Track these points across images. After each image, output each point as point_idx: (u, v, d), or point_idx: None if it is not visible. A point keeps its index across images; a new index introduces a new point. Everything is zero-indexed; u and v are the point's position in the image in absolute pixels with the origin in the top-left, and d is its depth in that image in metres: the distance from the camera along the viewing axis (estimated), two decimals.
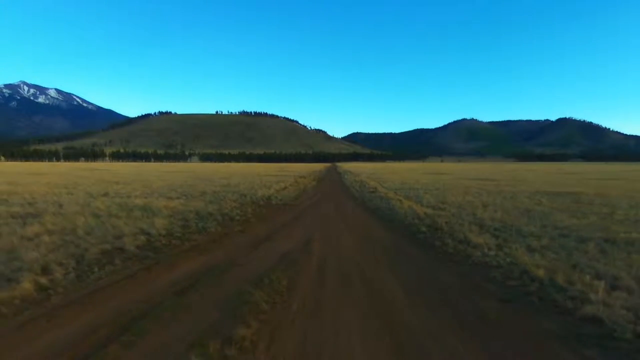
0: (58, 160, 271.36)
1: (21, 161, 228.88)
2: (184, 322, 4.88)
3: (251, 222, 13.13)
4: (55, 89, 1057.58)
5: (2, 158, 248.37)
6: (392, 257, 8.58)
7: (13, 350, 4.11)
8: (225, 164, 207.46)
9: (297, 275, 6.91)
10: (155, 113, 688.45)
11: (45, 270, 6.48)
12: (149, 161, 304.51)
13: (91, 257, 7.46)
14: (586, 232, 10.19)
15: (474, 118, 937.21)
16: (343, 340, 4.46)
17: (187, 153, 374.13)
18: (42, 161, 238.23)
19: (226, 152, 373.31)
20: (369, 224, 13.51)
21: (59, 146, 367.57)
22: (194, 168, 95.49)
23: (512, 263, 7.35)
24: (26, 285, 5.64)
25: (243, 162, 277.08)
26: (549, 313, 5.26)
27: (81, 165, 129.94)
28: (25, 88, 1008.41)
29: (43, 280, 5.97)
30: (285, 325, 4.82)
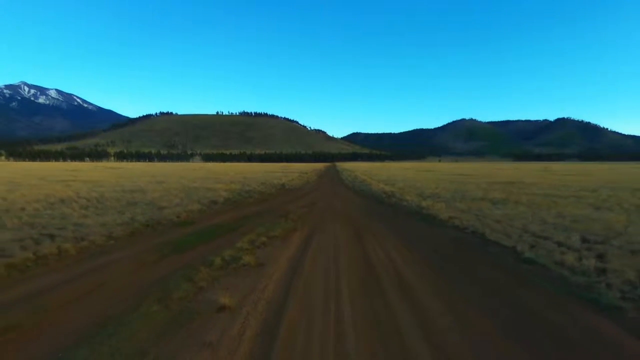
0: (65, 160, 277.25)
1: (29, 161, 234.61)
2: (267, 218, 12.12)
3: (277, 195, 20.40)
4: (56, 90, 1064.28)
5: (11, 158, 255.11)
6: (359, 206, 15.85)
7: (211, 220, 11.35)
8: (229, 163, 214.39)
9: (310, 212, 14.13)
10: (156, 113, 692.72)
11: (191, 204, 13.64)
12: (153, 161, 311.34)
13: (204, 203, 14.66)
14: (477, 196, 17.40)
15: (473, 118, 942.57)
16: (332, 227, 11.62)
17: (189, 153, 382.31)
18: (49, 161, 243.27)
19: (227, 152, 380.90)
20: (352, 196, 20.81)
21: (61, 146, 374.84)
22: (204, 167, 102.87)
23: (417, 205, 14.59)
24: (194, 206, 12.88)
25: (244, 162, 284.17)
26: (414, 214, 12.80)
27: (99, 164, 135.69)
28: (26, 88, 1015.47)
29: (198, 206, 13.17)
30: (307, 221, 12.05)
